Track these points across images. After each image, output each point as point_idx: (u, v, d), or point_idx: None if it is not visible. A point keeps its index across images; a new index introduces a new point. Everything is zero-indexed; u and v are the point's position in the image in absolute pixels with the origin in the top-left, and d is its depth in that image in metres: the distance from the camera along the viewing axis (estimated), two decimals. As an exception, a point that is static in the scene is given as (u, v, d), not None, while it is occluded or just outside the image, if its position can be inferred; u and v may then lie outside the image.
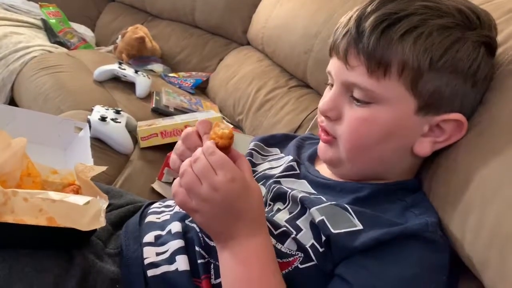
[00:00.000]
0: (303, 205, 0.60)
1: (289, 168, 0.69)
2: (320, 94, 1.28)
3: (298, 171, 0.68)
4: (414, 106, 0.58)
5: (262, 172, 0.72)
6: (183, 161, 0.55)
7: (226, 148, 0.55)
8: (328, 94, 0.63)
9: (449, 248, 0.55)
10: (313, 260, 0.55)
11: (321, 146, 0.66)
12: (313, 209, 0.57)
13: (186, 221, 0.64)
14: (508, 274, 0.47)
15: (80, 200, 0.54)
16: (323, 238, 0.55)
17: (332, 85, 0.63)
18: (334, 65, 0.62)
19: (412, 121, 0.58)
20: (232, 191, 0.52)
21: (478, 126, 0.58)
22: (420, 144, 0.60)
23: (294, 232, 0.57)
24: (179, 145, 0.60)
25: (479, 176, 0.54)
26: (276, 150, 0.78)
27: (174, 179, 1.06)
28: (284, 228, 0.58)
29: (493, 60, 0.60)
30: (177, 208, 0.68)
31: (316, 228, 0.56)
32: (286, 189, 0.63)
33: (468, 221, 0.53)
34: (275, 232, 0.58)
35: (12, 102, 1.54)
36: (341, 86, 0.61)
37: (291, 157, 0.71)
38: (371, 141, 0.59)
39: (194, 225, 0.62)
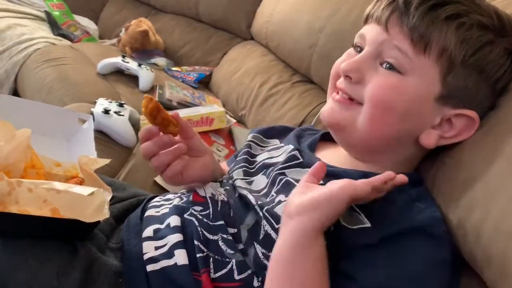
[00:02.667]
0: None
1: (292, 157, 0.67)
2: (323, 90, 1.28)
3: (302, 160, 0.67)
4: (438, 93, 0.59)
5: (262, 162, 0.71)
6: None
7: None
8: (351, 57, 0.63)
9: (452, 243, 0.55)
10: None
11: (332, 106, 0.64)
12: None
13: (185, 215, 0.63)
14: (510, 271, 0.47)
15: (84, 191, 0.54)
16: (331, 228, 0.55)
17: (358, 49, 0.63)
18: (371, 30, 0.62)
19: (429, 106, 0.59)
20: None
21: (485, 126, 0.59)
22: (427, 135, 0.60)
23: None
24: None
25: (483, 174, 0.54)
26: (275, 141, 0.78)
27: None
28: None
29: None
30: (176, 201, 0.68)
31: None
32: (294, 182, 0.62)
33: (471, 218, 0.53)
34: (276, 226, 0.58)
35: (15, 93, 1.54)
36: (375, 50, 0.61)
37: (292, 147, 0.70)
38: (392, 114, 0.59)
39: (193, 219, 0.62)
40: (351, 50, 0.65)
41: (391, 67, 0.59)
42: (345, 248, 0.54)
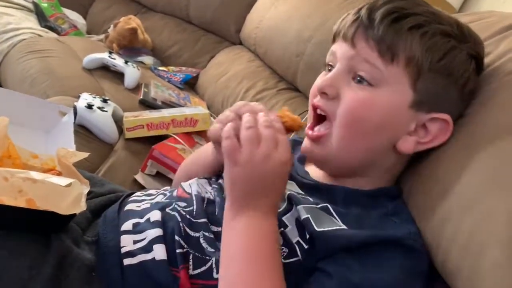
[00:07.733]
0: (290, 202, 0.60)
1: None
2: (308, 98, 1.29)
3: None
4: (410, 99, 0.60)
5: None
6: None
7: (288, 131, 0.59)
8: (326, 74, 0.64)
9: (427, 257, 0.56)
10: (297, 256, 0.56)
11: (307, 145, 0.66)
12: (300, 207, 0.58)
13: (167, 209, 0.63)
14: (479, 283, 0.48)
15: (62, 181, 0.53)
16: (307, 235, 0.56)
17: (330, 68, 0.65)
18: (340, 47, 0.63)
19: (404, 114, 0.60)
20: (278, 171, 0.54)
21: (462, 139, 0.60)
22: (404, 141, 0.61)
23: (282, 228, 0.58)
24: (227, 114, 0.59)
25: (458, 187, 0.55)
26: None
27: (158, 172, 1.06)
28: None
29: (478, 79, 0.63)
30: (158, 198, 0.68)
31: (301, 226, 0.57)
32: None
33: (444, 230, 0.54)
34: None
35: (-4, 83, 1.52)
36: (346, 66, 0.62)
37: None
38: (367, 127, 0.60)
39: (175, 214, 0.62)
40: (324, 72, 0.66)
41: (362, 80, 0.60)
42: (324, 249, 0.55)
